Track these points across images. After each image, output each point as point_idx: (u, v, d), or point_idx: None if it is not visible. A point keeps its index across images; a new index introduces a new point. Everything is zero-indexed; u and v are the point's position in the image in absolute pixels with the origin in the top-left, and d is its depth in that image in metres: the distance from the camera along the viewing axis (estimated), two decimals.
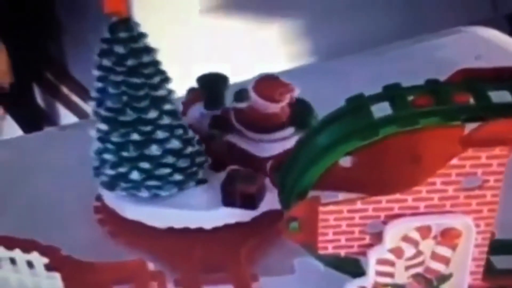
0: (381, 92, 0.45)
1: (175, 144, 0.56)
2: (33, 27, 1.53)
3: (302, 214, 0.45)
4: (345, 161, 0.47)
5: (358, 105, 0.44)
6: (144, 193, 0.57)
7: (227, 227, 0.58)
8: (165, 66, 0.56)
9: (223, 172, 0.59)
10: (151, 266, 0.54)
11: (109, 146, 0.56)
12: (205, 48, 1.31)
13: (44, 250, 0.51)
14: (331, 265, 0.49)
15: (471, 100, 0.44)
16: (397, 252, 0.45)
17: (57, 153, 0.70)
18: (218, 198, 0.57)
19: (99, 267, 0.53)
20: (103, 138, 0.56)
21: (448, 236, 0.44)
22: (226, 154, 0.60)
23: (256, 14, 1.38)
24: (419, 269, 0.46)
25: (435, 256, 0.45)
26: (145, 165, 0.56)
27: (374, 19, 1.43)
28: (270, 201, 0.56)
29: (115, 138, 0.56)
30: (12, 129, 1.43)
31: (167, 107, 0.56)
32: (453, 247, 0.45)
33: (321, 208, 0.44)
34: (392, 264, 0.45)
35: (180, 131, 0.57)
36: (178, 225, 0.58)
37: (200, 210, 0.58)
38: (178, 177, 0.57)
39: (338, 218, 0.44)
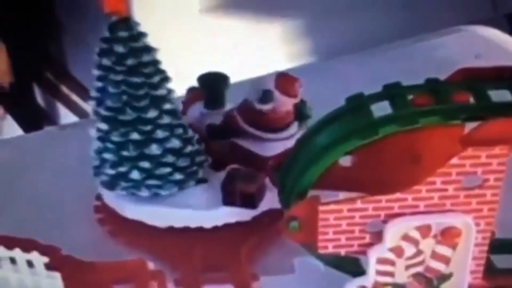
0: (381, 92, 0.45)
1: (175, 143, 0.56)
2: (33, 27, 1.52)
3: (302, 214, 0.45)
4: (345, 161, 0.47)
5: (358, 104, 0.44)
6: (145, 193, 0.57)
7: (227, 226, 0.58)
8: (164, 66, 0.56)
9: (223, 171, 0.59)
10: (151, 265, 0.54)
11: (109, 145, 0.56)
12: (204, 48, 1.31)
13: (44, 250, 0.51)
14: (331, 265, 0.49)
15: (471, 100, 0.44)
16: (397, 251, 0.45)
17: (57, 152, 0.70)
18: (218, 197, 0.57)
19: (99, 267, 0.53)
20: (103, 137, 0.56)
21: (448, 235, 0.44)
22: (227, 154, 0.60)
23: (256, 14, 1.38)
24: (419, 269, 0.46)
25: (435, 255, 0.45)
26: (145, 164, 0.56)
27: (373, 18, 1.43)
28: (270, 200, 0.56)
29: (115, 137, 0.56)
30: (12, 129, 1.43)
31: (167, 106, 0.56)
32: (453, 246, 0.45)
33: (321, 208, 0.44)
34: (392, 263, 0.45)
35: (180, 130, 0.57)
36: (178, 224, 0.58)
37: (200, 210, 0.58)
38: (178, 176, 0.57)
39: (338, 217, 0.44)
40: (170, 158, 0.56)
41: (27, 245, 0.51)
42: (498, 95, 0.43)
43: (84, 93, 1.43)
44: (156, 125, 0.56)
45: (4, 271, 0.52)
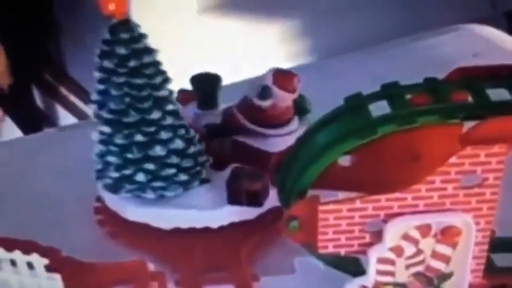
0: (379, 91, 0.45)
1: (178, 144, 0.56)
2: (32, 28, 1.52)
3: (302, 213, 0.45)
4: (344, 160, 0.47)
5: (356, 104, 0.44)
6: (150, 194, 0.57)
7: (227, 226, 0.58)
8: (163, 66, 0.56)
9: (224, 170, 0.59)
10: (151, 266, 0.54)
11: (113, 148, 0.56)
12: (202, 48, 1.31)
13: (44, 251, 0.51)
14: (331, 264, 0.49)
15: (470, 98, 0.44)
16: (397, 250, 0.45)
17: (56, 154, 0.70)
18: (222, 197, 0.57)
19: (99, 268, 0.53)
20: (106, 140, 0.56)
21: (448, 234, 0.44)
22: (227, 152, 0.60)
23: (254, 13, 1.38)
24: (419, 268, 0.46)
25: (435, 255, 0.45)
26: (150, 166, 0.56)
27: (371, 18, 1.43)
28: (274, 198, 0.56)
29: (118, 140, 0.56)
30: (11, 131, 1.43)
31: (170, 107, 0.56)
32: (453, 245, 0.45)
33: (321, 207, 0.44)
34: (392, 263, 0.45)
35: (182, 131, 0.57)
36: (183, 225, 0.58)
37: (205, 210, 0.57)
38: (183, 177, 0.57)
39: (338, 217, 0.44)
40: (174, 159, 0.56)
41: (27, 247, 0.51)
42: (496, 94, 0.44)
43: (83, 94, 1.43)
44: (160, 126, 0.56)
45: (4, 273, 0.52)
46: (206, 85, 0.63)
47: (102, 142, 0.57)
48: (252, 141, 0.60)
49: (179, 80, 0.59)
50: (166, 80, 0.56)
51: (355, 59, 0.83)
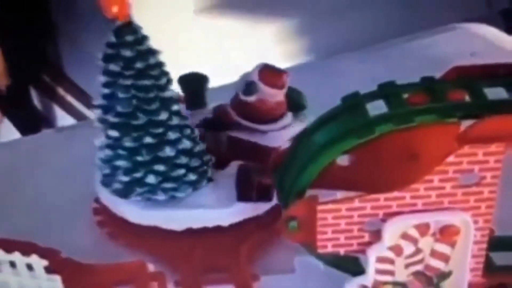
0: (376, 90, 0.45)
1: (186, 144, 0.56)
2: (30, 29, 1.52)
3: (301, 213, 0.45)
4: (343, 160, 0.47)
5: (353, 103, 0.44)
6: (161, 196, 0.57)
7: (227, 227, 0.58)
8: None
9: (224, 169, 0.59)
10: (151, 267, 0.54)
11: (121, 152, 0.56)
12: (199, 48, 1.31)
13: (43, 253, 0.51)
14: (331, 264, 0.49)
15: (467, 97, 0.44)
16: (397, 249, 0.45)
17: (55, 155, 0.70)
18: (228, 194, 0.57)
19: (99, 269, 0.53)
20: (114, 144, 0.56)
21: (446, 233, 0.44)
22: (225, 150, 0.60)
23: (251, 13, 1.38)
24: (419, 267, 0.46)
25: (434, 254, 0.45)
26: (160, 167, 0.56)
27: (368, 17, 1.43)
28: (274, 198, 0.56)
29: (127, 143, 0.55)
30: (9, 132, 1.43)
31: (175, 107, 0.56)
32: (452, 244, 0.45)
33: (320, 207, 0.44)
34: (391, 262, 0.45)
35: (188, 131, 0.57)
36: (195, 225, 0.57)
37: (215, 209, 0.57)
38: (192, 177, 0.57)
39: (337, 216, 0.44)
40: (183, 159, 0.56)
41: (27, 248, 0.51)
42: (493, 93, 0.44)
43: (81, 95, 1.43)
44: (167, 126, 0.55)
45: (4, 274, 0.52)
46: (193, 85, 0.63)
47: (109, 146, 0.56)
48: (247, 136, 0.60)
49: (177, 80, 0.60)
50: (170, 80, 0.55)
51: (352, 58, 0.83)
